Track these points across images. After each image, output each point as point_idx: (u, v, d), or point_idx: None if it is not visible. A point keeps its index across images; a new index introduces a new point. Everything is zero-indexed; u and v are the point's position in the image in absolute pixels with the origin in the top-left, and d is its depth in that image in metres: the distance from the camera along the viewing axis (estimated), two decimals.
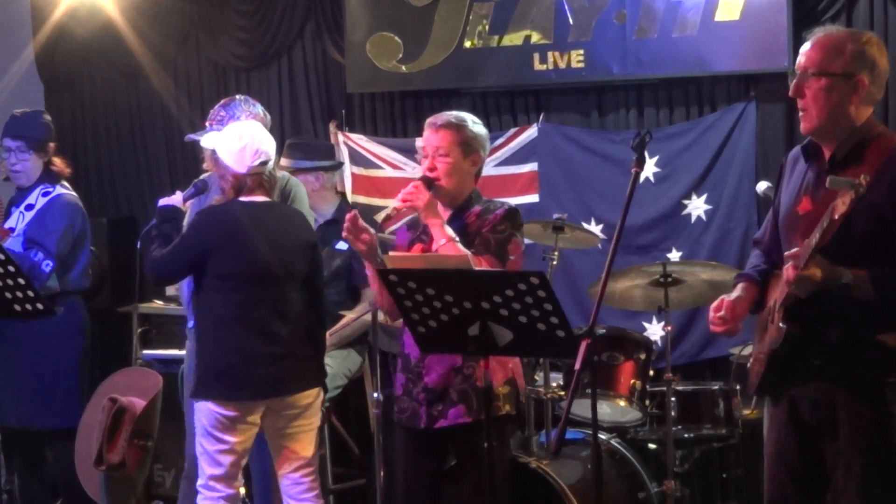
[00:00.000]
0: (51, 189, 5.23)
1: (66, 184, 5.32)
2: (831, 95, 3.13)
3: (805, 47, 3.20)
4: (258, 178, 4.11)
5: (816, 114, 3.16)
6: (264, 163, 4.11)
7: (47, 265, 5.06)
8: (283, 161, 5.26)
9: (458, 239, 3.74)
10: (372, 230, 3.82)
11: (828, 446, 3.16)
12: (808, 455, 3.21)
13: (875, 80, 3.16)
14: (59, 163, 5.32)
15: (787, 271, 3.05)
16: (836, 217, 2.85)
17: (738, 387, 4.83)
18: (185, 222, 4.39)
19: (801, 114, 3.21)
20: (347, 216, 3.77)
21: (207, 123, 4.57)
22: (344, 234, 3.79)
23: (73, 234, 5.19)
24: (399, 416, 3.94)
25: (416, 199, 3.75)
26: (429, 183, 3.80)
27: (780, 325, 3.13)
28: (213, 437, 4.05)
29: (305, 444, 4.19)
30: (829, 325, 3.10)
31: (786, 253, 3.10)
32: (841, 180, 2.88)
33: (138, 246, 4.38)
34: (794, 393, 3.22)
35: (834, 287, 3.02)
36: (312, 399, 4.19)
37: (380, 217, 5.19)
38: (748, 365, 3.42)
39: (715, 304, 3.32)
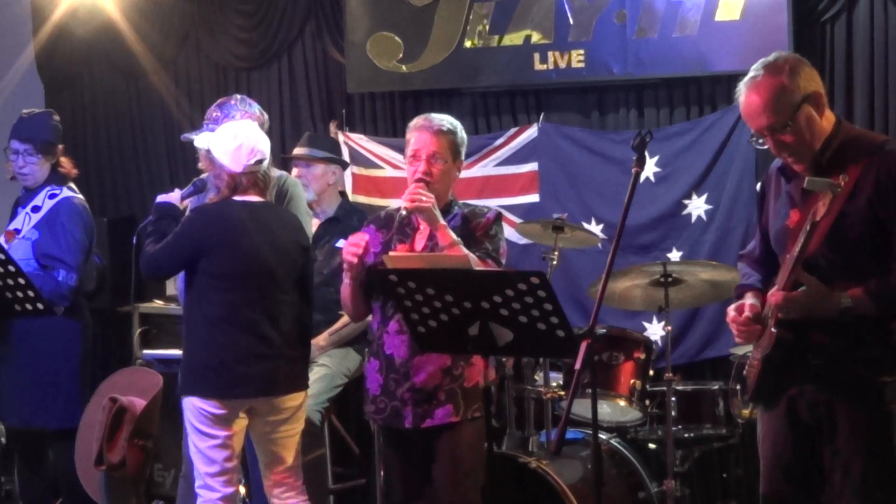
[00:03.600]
0: (57, 191, 5.20)
1: (72, 185, 5.30)
2: (804, 129, 3.12)
3: (749, 110, 3.16)
4: (253, 177, 4.11)
5: (806, 150, 3.14)
6: (259, 162, 4.11)
7: (72, 278, 5.05)
8: (299, 150, 5.28)
9: (461, 241, 3.75)
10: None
11: (826, 447, 3.16)
12: (806, 456, 3.22)
13: (819, 83, 3.16)
14: (66, 164, 5.30)
15: (773, 296, 3.06)
16: (818, 219, 2.84)
17: (737, 387, 4.82)
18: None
19: (789, 160, 3.19)
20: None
21: (204, 123, 4.57)
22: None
23: (87, 241, 5.19)
24: (374, 416, 3.94)
25: (423, 200, 3.75)
26: (426, 185, 3.81)
27: (772, 329, 3.13)
28: (202, 433, 4.04)
29: (289, 448, 4.21)
30: (822, 329, 3.10)
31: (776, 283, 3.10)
32: (818, 181, 2.89)
33: (134, 241, 4.38)
34: (792, 394, 3.22)
35: (836, 314, 3.03)
36: (300, 402, 4.20)
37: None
38: (744, 371, 3.42)
39: (735, 305, 3.32)
